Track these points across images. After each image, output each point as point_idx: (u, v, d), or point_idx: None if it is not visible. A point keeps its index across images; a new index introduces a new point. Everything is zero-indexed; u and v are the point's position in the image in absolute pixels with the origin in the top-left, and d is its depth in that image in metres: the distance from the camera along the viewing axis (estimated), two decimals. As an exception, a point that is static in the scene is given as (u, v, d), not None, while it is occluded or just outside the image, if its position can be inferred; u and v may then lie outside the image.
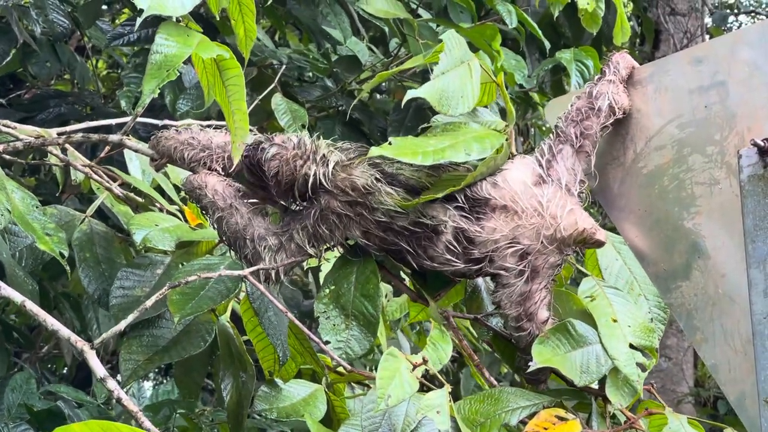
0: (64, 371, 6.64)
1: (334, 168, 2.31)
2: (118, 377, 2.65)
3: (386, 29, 4.33)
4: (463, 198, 2.22)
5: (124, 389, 2.26)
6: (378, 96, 5.24)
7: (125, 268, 2.74)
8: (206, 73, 2.40)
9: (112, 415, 4.61)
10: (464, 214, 2.22)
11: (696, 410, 8.61)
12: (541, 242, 2.21)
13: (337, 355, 2.28)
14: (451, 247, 2.23)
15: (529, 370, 2.19)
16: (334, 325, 2.33)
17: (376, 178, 2.25)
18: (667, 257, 2.37)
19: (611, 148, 2.47)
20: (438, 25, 4.33)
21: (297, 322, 2.35)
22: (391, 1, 3.95)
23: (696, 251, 2.31)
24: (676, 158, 2.35)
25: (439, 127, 2.36)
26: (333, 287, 2.38)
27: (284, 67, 4.20)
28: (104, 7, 6.01)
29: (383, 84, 5.13)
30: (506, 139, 2.31)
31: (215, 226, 2.46)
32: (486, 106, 2.57)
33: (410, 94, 2.25)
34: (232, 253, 2.47)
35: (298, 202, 2.41)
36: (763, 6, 13.09)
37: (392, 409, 2.10)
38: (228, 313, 2.87)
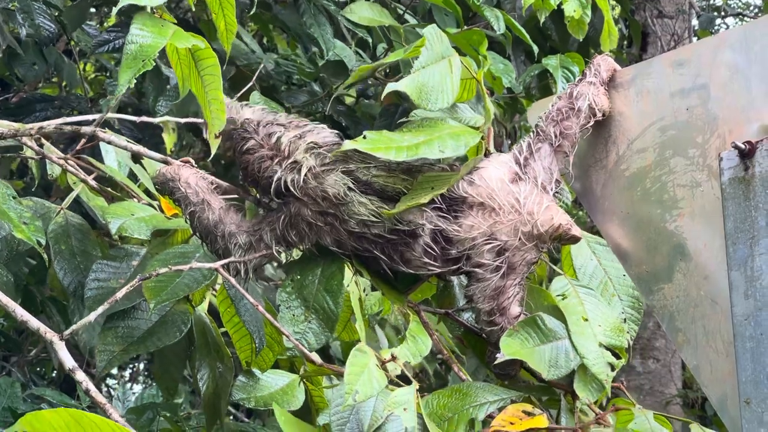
0: (53, 375, 6.62)
1: (305, 175, 2.29)
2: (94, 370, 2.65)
3: (369, 40, 4.33)
4: (440, 198, 2.23)
5: (98, 382, 2.25)
6: (365, 101, 5.24)
7: (100, 260, 2.74)
8: (181, 64, 2.40)
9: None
10: (442, 214, 2.23)
11: (684, 412, 8.61)
12: (519, 238, 2.22)
13: (292, 346, 2.28)
14: (429, 250, 2.23)
15: (496, 362, 2.19)
16: (294, 315, 2.33)
17: (348, 188, 2.24)
18: (649, 259, 2.38)
19: (594, 151, 2.48)
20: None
21: (267, 314, 2.34)
22: (375, 8, 3.94)
23: (678, 253, 2.33)
24: (658, 161, 2.37)
25: (416, 122, 2.36)
26: (298, 277, 2.38)
27: (262, 65, 4.19)
28: (92, 10, 6.00)
29: (370, 89, 5.13)
30: (482, 137, 2.32)
31: (188, 220, 2.46)
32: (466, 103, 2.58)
33: (390, 87, 2.26)
34: (205, 246, 2.47)
35: (271, 198, 2.40)
36: (751, 8, 13.13)
37: (360, 405, 2.09)
38: (206, 304, 2.86)
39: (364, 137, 2.18)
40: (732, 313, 2.08)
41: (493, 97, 4.94)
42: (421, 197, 2.20)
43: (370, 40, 4.36)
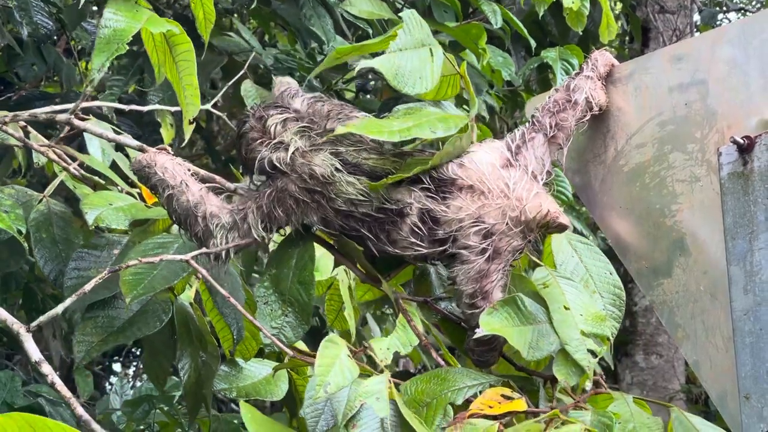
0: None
1: (293, 154, 2.28)
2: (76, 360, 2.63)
3: (370, 31, 4.32)
4: (428, 179, 2.22)
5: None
6: (365, 96, 5.24)
7: (81, 249, 2.72)
8: (157, 50, 2.39)
9: (95, 413, 4.62)
10: (430, 194, 2.22)
11: (688, 407, 8.61)
12: (506, 223, 2.21)
13: (270, 342, 2.27)
14: (416, 230, 2.22)
15: (475, 336, 2.18)
16: (272, 310, 2.33)
17: (336, 168, 2.24)
18: (648, 254, 2.38)
19: (593, 146, 2.48)
20: (423, 25, 4.32)
21: (240, 307, 2.33)
22: (375, 2, 3.94)
23: (677, 248, 2.32)
24: (656, 156, 2.36)
25: (401, 111, 2.34)
26: (274, 271, 2.37)
27: (253, 54, 4.18)
28: (94, 8, 5.99)
29: (370, 84, 5.13)
30: (470, 121, 2.31)
31: (165, 204, 2.41)
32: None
33: (362, 64, 2.23)
34: (182, 231, 2.42)
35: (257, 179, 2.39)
36: (753, 3, 13.11)
37: (334, 396, 2.09)
38: (192, 293, 2.85)
39: (354, 124, 2.18)
40: (731, 308, 2.08)
41: (493, 89, 4.94)
42: (407, 172, 2.19)
43: (370, 31, 4.36)
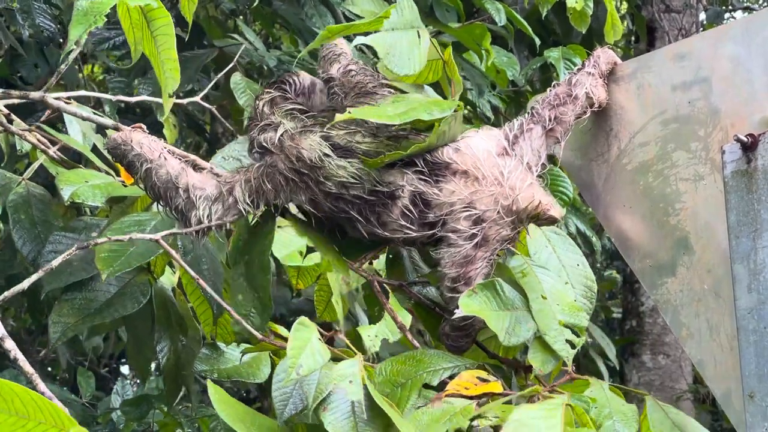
0: (65, 375, 6.66)
1: (281, 136, 2.27)
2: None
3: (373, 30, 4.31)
4: (422, 162, 2.21)
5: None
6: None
7: (58, 232, 2.71)
8: (133, 28, 2.37)
9: (96, 413, 4.63)
10: (423, 177, 2.20)
11: (695, 407, 8.59)
12: (498, 211, 2.20)
13: (239, 328, 2.27)
14: (407, 212, 2.20)
15: (453, 317, 2.16)
16: (243, 296, 2.33)
17: (325, 154, 2.22)
18: (653, 253, 2.37)
19: (596, 145, 2.47)
20: (426, 25, 4.32)
21: (209, 289, 2.32)
22: (377, 1, 3.93)
23: (681, 247, 2.31)
24: (660, 154, 2.35)
25: (390, 98, 2.31)
26: (246, 257, 2.36)
27: (243, 46, 4.17)
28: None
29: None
30: (459, 106, 2.30)
31: (143, 179, 2.36)
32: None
33: (358, 40, 2.24)
34: (161, 207, 2.38)
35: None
36: (760, 2, 13.08)
37: (303, 380, 2.06)
38: (175, 279, 2.85)
39: (349, 113, 2.17)
40: (735, 307, 2.08)
41: (496, 90, 4.93)
42: (404, 152, 2.18)
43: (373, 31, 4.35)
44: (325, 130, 2.25)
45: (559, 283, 2.31)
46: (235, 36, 4.74)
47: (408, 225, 2.22)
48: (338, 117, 2.16)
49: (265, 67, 4.58)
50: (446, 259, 2.22)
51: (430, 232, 2.23)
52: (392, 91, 2.33)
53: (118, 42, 4.07)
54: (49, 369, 6.71)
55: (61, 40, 4.72)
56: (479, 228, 2.19)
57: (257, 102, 2.37)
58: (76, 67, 4.91)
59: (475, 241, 2.20)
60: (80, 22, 2.24)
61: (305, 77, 2.42)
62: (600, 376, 7.01)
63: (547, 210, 2.24)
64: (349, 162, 2.22)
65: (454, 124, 2.25)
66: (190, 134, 5.64)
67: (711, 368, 2.26)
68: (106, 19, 2.29)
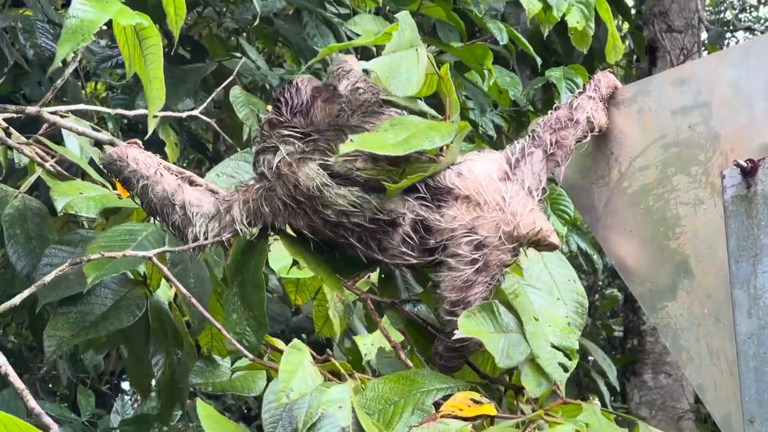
0: (65, 392, 6.65)
1: (279, 162, 2.26)
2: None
3: (374, 50, 4.33)
4: (424, 187, 2.20)
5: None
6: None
7: (54, 245, 2.70)
8: (128, 45, 2.38)
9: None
10: (425, 203, 2.20)
11: (696, 426, 8.58)
12: (499, 237, 2.19)
13: (234, 348, 2.28)
14: (408, 239, 2.20)
15: (453, 338, 2.15)
16: (237, 316, 2.33)
17: (323, 183, 2.21)
18: (653, 277, 2.37)
19: (596, 168, 2.47)
20: (428, 45, 4.34)
21: (200, 307, 2.30)
22: (379, 21, 3.95)
23: (681, 271, 2.31)
24: (660, 178, 2.36)
25: (386, 123, 2.28)
26: (240, 277, 2.36)
27: (243, 60, 4.18)
28: (103, 27, 6.01)
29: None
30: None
31: (139, 195, 2.36)
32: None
33: (363, 65, 2.20)
34: (158, 222, 2.39)
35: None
36: (761, 22, 13.11)
37: (294, 403, 2.08)
38: (171, 294, 2.84)
39: (351, 140, 2.13)
40: (735, 332, 2.07)
41: (498, 109, 4.94)
42: (413, 180, 2.17)
43: (374, 50, 4.37)
44: (323, 158, 2.23)
45: (550, 303, 2.32)
46: (238, 55, 4.76)
47: (408, 251, 2.22)
48: (342, 149, 2.12)
49: (268, 86, 4.59)
50: (446, 282, 2.22)
51: (431, 258, 2.23)
52: (399, 111, 2.32)
53: (121, 60, 4.08)
54: (50, 386, 6.70)
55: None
56: (481, 254, 2.19)
57: (261, 118, 2.36)
58: (79, 84, 4.93)
59: (477, 266, 2.20)
60: (68, 39, 2.25)
61: (304, 91, 2.37)
62: (601, 396, 7.01)
63: (547, 236, 2.24)
64: (349, 190, 2.21)
65: (457, 146, 2.25)
66: (192, 152, 5.65)
67: (711, 392, 2.26)
68: (93, 38, 2.29)
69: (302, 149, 2.26)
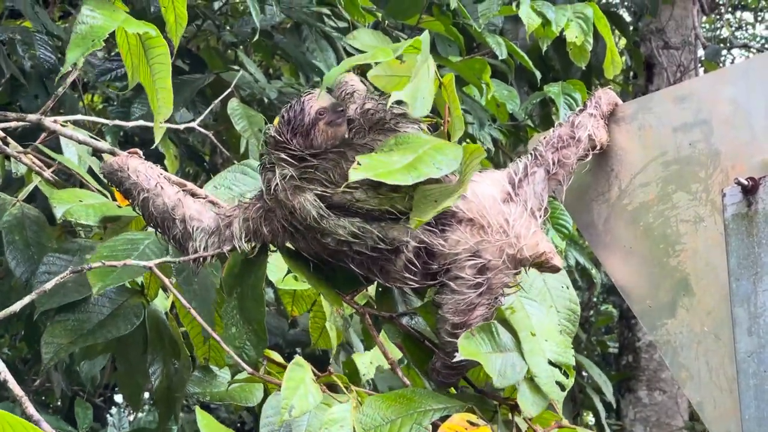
0: (58, 404, 6.62)
1: (276, 186, 2.22)
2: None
3: (373, 64, 4.33)
4: None
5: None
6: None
7: (52, 253, 2.70)
8: (131, 54, 2.38)
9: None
10: (429, 228, 2.17)
11: (691, 444, 8.57)
12: (503, 260, 2.19)
13: (233, 362, 2.27)
14: (411, 265, 2.19)
15: (453, 360, 2.15)
16: (236, 330, 2.32)
17: (321, 215, 2.18)
18: (652, 294, 2.37)
19: (597, 185, 2.47)
20: (427, 60, 4.34)
21: (202, 321, 2.31)
22: (378, 35, 3.95)
23: (681, 288, 2.31)
24: (660, 195, 2.35)
25: (391, 141, 2.22)
26: (239, 290, 2.35)
27: (240, 73, 4.19)
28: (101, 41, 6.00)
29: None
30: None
31: (140, 208, 2.36)
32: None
33: (395, 96, 2.10)
34: (159, 234, 2.38)
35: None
36: (757, 39, 13.16)
37: (293, 420, 2.07)
38: (168, 303, 2.84)
39: (359, 164, 2.08)
40: (735, 350, 2.07)
41: (496, 124, 4.95)
42: (428, 213, 2.10)
43: (373, 65, 4.36)
44: (320, 189, 2.19)
45: (546, 316, 2.32)
46: (236, 67, 4.76)
47: (411, 276, 2.21)
48: (351, 176, 2.04)
49: (266, 99, 4.59)
50: (449, 305, 2.21)
51: (433, 282, 2.22)
52: (413, 124, 2.27)
53: (120, 73, 4.07)
54: (43, 398, 6.68)
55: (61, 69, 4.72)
56: (484, 278, 2.18)
57: (264, 132, 2.34)
58: (76, 96, 4.92)
59: (480, 290, 2.19)
60: (78, 45, 2.26)
61: (308, 112, 2.27)
62: (596, 412, 7.01)
63: (550, 259, 2.24)
64: (350, 221, 2.18)
65: (469, 175, 2.22)
66: (190, 165, 5.65)
67: (710, 410, 2.25)
68: (104, 45, 2.30)
69: (298, 176, 2.21)
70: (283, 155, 2.24)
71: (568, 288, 2.45)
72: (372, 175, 2.06)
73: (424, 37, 2.23)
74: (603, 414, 7.01)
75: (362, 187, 2.17)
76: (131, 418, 5.55)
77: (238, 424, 7.40)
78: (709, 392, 2.25)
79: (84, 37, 2.27)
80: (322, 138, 2.27)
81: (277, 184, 2.22)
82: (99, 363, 4.56)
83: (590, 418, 10.17)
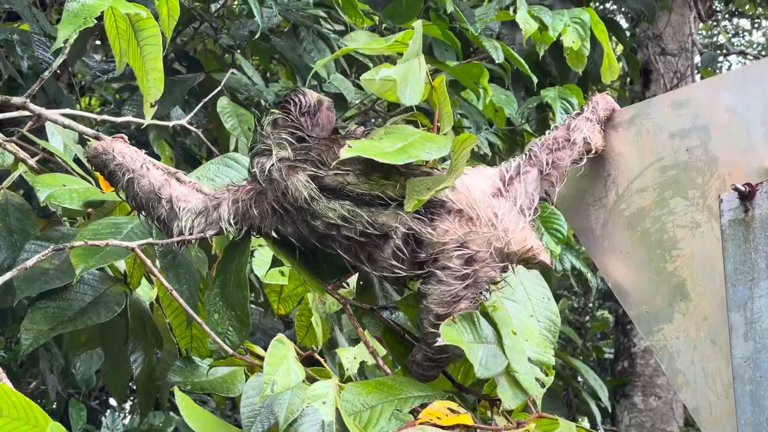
0: (54, 407, 6.61)
1: (271, 166, 2.24)
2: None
3: (371, 65, 4.33)
4: None
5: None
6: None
7: (34, 240, 2.69)
8: (119, 39, 2.38)
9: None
10: (418, 216, 2.17)
11: (686, 449, 8.58)
12: (490, 253, 2.18)
13: (216, 347, 2.26)
14: (399, 252, 2.18)
15: (435, 345, 2.14)
16: (219, 316, 2.32)
17: (312, 196, 2.19)
18: (649, 299, 2.37)
19: (593, 190, 2.47)
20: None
21: (183, 303, 2.30)
22: (375, 37, 3.95)
23: (678, 294, 2.31)
24: (657, 201, 2.36)
25: (380, 130, 2.26)
26: (222, 277, 2.35)
27: (231, 71, 4.19)
28: (98, 42, 6.02)
29: (371, 119, 5.15)
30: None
31: (124, 188, 2.34)
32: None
33: (383, 73, 2.12)
34: (142, 216, 2.37)
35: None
36: (753, 46, 13.18)
37: (274, 398, 2.06)
38: (153, 294, 2.84)
39: (350, 146, 2.10)
40: (731, 355, 2.07)
41: (493, 128, 4.95)
42: (424, 195, 2.11)
43: (371, 66, 4.37)
44: (313, 170, 2.21)
45: (527, 318, 2.33)
46: (234, 71, 4.75)
47: (398, 264, 2.20)
48: (341, 154, 2.09)
49: (263, 102, 4.59)
50: (435, 296, 2.20)
51: (420, 271, 2.21)
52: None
53: (118, 74, 4.08)
54: (39, 401, 6.67)
55: (59, 71, 4.73)
56: (471, 269, 2.18)
57: (263, 121, 2.34)
58: (74, 98, 4.92)
59: (467, 282, 2.18)
60: (70, 22, 2.25)
61: (311, 95, 2.35)
62: (592, 417, 7.00)
63: (537, 255, 2.23)
64: (340, 204, 2.19)
65: (460, 165, 2.23)
66: (185, 167, 5.65)
67: (706, 415, 2.25)
68: (95, 22, 2.29)
69: (294, 157, 2.24)
70: (284, 134, 2.27)
71: (549, 300, 2.46)
72: (363, 154, 2.10)
73: (417, 26, 2.24)
74: (599, 419, 7.01)
75: (354, 171, 2.19)
76: (126, 420, 5.54)
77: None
78: (705, 397, 2.26)
79: (76, 14, 2.26)
80: (324, 120, 2.33)
81: (273, 164, 2.23)
82: (94, 365, 4.56)
83: (585, 423, 10.17)
